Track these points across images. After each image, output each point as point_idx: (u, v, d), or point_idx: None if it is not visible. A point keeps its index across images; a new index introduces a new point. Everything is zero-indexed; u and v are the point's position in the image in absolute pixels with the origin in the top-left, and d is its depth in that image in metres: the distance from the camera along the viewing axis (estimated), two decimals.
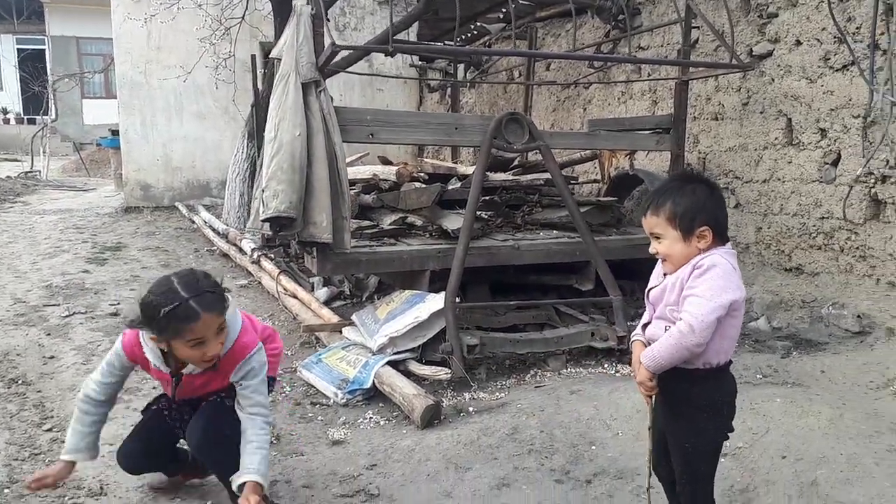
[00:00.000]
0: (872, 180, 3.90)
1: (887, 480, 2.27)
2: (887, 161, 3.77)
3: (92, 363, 3.83)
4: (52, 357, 3.95)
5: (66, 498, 2.46)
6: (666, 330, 1.76)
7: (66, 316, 4.76)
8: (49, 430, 3.02)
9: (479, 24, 8.59)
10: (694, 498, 1.90)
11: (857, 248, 4.04)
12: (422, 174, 5.03)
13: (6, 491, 2.50)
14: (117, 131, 11.45)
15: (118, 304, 5.11)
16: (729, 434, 1.87)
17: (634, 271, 5.28)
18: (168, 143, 10.60)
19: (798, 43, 4.40)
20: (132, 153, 10.49)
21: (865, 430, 2.60)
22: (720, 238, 1.75)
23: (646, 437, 2.63)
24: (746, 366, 3.49)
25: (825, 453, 2.44)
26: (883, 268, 3.89)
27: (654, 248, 1.83)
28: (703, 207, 1.74)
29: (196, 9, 8.93)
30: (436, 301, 3.68)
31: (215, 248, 7.42)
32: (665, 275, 1.86)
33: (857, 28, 3.97)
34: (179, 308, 1.99)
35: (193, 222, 9.01)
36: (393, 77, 10.10)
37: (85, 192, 13.74)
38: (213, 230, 7.91)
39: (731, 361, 1.82)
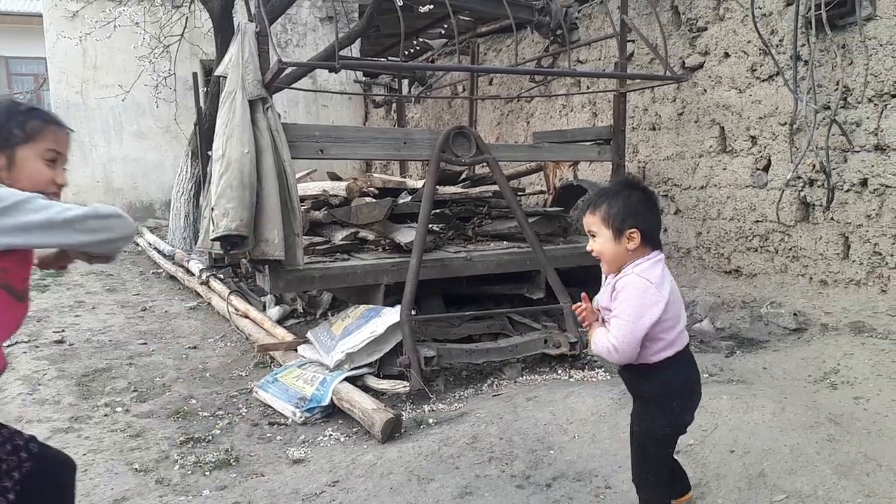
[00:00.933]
0: (801, 184, 4.11)
1: (828, 468, 2.41)
2: (813, 166, 3.99)
3: (39, 392, 3.72)
4: None
5: None
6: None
7: (9, 345, 4.60)
8: None
9: (421, 39, 8.69)
10: (642, 484, 2.00)
11: (790, 249, 4.25)
12: (372, 189, 5.07)
13: None
14: None
15: (63, 331, 4.96)
16: (683, 426, 1.97)
17: (583, 278, 5.43)
18: (108, 164, 10.36)
19: (727, 55, 4.62)
20: (71, 176, 10.17)
21: (806, 421, 2.74)
22: (649, 242, 1.87)
23: (601, 440, 2.71)
24: None
25: (770, 446, 2.57)
26: (814, 267, 4.10)
27: (591, 245, 1.95)
28: (633, 212, 1.85)
29: (133, 27, 8.78)
30: (392, 315, 3.71)
31: (161, 270, 7.27)
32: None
33: (779, 41, 4.20)
34: (31, 110, 1.70)
35: (138, 245, 8.80)
36: (338, 93, 10.11)
37: None
38: (159, 252, 7.74)
39: (677, 355, 1.89)
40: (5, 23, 20.06)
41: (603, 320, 1.94)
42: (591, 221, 1.93)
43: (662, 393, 1.91)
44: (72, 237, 1.55)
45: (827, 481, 2.34)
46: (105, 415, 3.45)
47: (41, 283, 6.68)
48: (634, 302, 1.80)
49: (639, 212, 1.86)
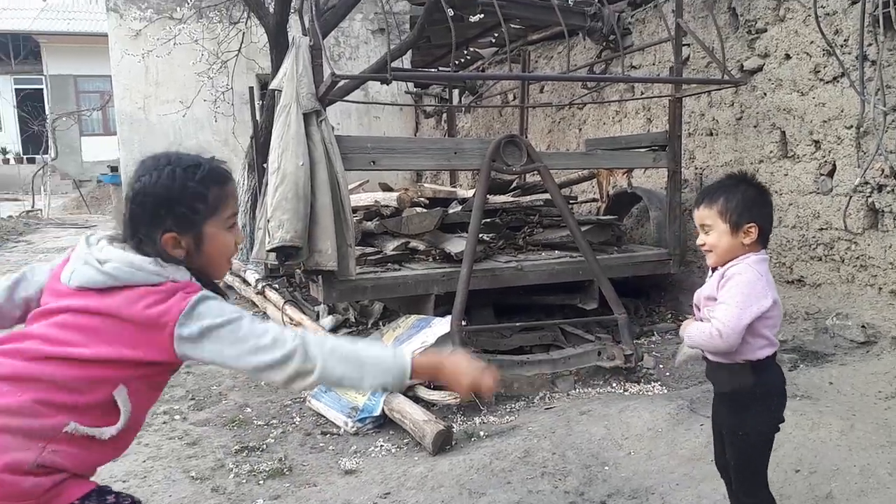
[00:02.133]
0: (868, 190, 3.93)
1: None
2: (882, 170, 3.81)
3: None
4: None
5: None
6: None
7: None
8: None
9: (471, 49, 8.70)
10: (750, 489, 1.94)
11: (858, 257, 4.06)
12: (422, 199, 5.08)
13: None
14: (117, 167, 11.55)
15: None
16: (779, 425, 1.92)
17: (637, 289, 5.32)
18: None
19: (787, 57, 4.47)
20: None
21: (877, 440, 2.60)
22: (763, 238, 1.87)
23: (657, 456, 2.64)
24: None
25: (838, 465, 2.45)
26: (884, 277, 3.91)
27: (702, 239, 1.94)
28: (752, 206, 1.86)
29: (192, 44, 9.05)
30: (442, 325, 3.70)
31: None
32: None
33: (844, 40, 4.03)
34: (205, 176, 1.47)
35: None
36: (389, 104, 10.19)
37: (87, 229, 13.78)
38: None
39: (774, 355, 1.88)
40: (74, 42, 21.05)
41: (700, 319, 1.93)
42: (706, 214, 1.92)
43: (765, 392, 1.88)
44: (256, 374, 1.44)
45: None
46: (164, 422, 3.53)
47: None
48: (745, 290, 1.79)
49: (756, 206, 1.87)
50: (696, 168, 5.37)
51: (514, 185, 5.65)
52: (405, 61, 9.16)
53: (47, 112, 20.76)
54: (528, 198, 5.16)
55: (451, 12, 4.65)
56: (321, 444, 3.24)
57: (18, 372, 1.34)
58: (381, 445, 3.15)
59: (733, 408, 1.93)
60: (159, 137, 10.54)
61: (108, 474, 2.89)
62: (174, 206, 1.44)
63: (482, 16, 5.70)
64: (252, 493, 2.74)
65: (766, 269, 1.86)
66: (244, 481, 2.85)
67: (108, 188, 15.26)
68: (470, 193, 5.14)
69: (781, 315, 1.89)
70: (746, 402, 1.89)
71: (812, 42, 4.26)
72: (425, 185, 7.57)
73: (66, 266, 1.45)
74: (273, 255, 3.82)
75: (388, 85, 4.81)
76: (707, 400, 3.17)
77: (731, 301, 1.78)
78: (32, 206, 16.71)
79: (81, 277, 1.41)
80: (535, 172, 4.33)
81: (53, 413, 1.32)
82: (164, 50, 9.25)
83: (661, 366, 4.07)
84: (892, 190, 3.77)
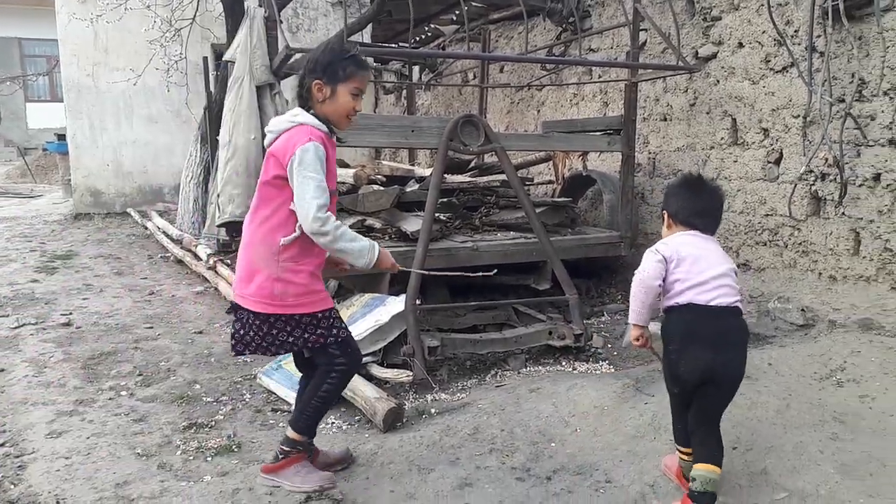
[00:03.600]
0: (813, 178, 4.06)
1: (831, 467, 2.38)
2: (826, 160, 3.94)
3: (44, 375, 3.75)
4: (1, 370, 3.85)
5: None
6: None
7: (16, 327, 4.64)
8: (1, 444, 2.94)
9: (432, 25, 8.62)
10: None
11: (800, 243, 4.20)
12: (379, 176, 5.05)
13: None
14: (64, 135, 11.14)
15: (70, 313, 4.99)
16: (679, 376, 2.23)
17: (589, 270, 5.41)
18: (118, 147, 10.37)
19: (741, 45, 4.56)
20: (81, 158, 10.23)
21: (810, 419, 2.72)
22: (679, 222, 2.32)
23: (603, 433, 2.71)
24: None
25: (773, 443, 2.55)
26: (824, 262, 4.06)
27: None
28: (667, 198, 2.40)
29: (145, 10, 8.75)
30: (396, 304, 3.71)
31: (170, 254, 7.30)
32: None
33: (795, 31, 4.13)
34: (353, 56, 2.38)
35: (146, 228, 8.83)
36: None
37: (32, 198, 13.32)
38: (168, 236, 7.77)
39: (687, 306, 2.19)
40: (19, 3, 20.12)
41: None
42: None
43: (665, 334, 2.27)
44: (300, 208, 2.24)
45: (830, 480, 2.32)
46: (110, 398, 3.47)
47: (50, 266, 6.73)
48: (648, 255, 2.26)
49: (671, 198, 2.37)
50: (650, 153, 5.46)
51: (472, 164, 5.65)
52: (365, 35, 9.02)
53: None
54: (486, 178, 5.17)
55: None
56: (271, 422, 3.22)
57: (253, 214, 2.35)
58: (332, 423, 3.15)
59: None
60: (108, 106, 10.21)
61: (49, 451, 2.84)
62: (326, 66, 2.33)
63: None
64: (199, 470, 2.72)
65: (680, 239, 2.26)
66: (192, 458, 2.82)
67: (54, 157, 14.73)
68: (428, 172, 5.13)
69: (700, 272, 2.19)
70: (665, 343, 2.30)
71: (764, 32, 4.35)
72: (383, 162, 7.51)
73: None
74: (224, 230, 3.76)
75: None
76: (652, 379, 3.27)
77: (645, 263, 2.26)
78: None
79: (266, 141, 2.39)
80: (493, 153, 4.34)
81: (273, 233, 2.28)
82: (114, 15, 8.93)
83: (609, 345, 4.15)
84: (835, 179, 3.90)
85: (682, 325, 2.22)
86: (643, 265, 2.25)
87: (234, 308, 2.41)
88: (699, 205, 2.32)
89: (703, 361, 2.16)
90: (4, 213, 10.83)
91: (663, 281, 2.22)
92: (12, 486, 2.59)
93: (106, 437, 3.00)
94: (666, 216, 2.35)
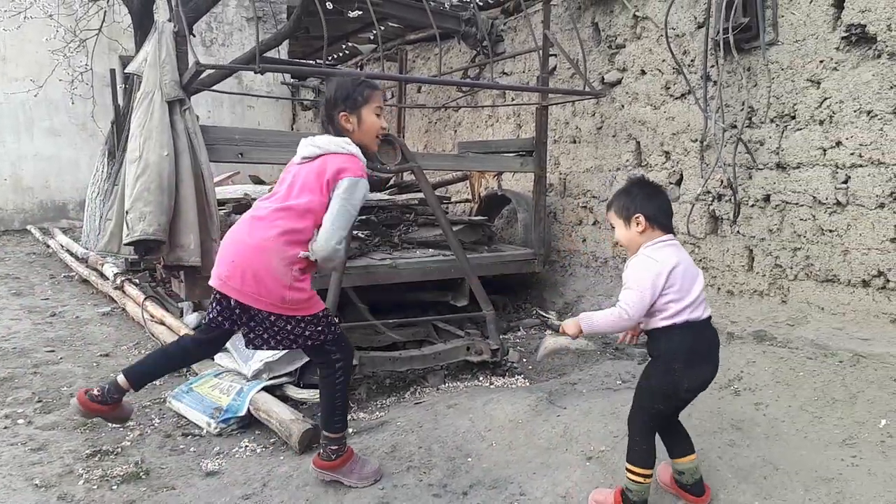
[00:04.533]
0: (710, 198, 4.32)
1: (729, 472, 2.54)
2: (721, 181, 4.20)
3: None
4: None
5: None
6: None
7: None
8: None
9: (350, 43, 8.65)
10: (631, 425, 2.32)
11: (700, 260, 4.44)
12: None
13: None
14: None
15: None
16: (682, 390, 2.24)
17: (506, 286, 5.53)
18: (17, 161, 9.84)
19: (643, 72, 4.81)
20: None
21: (710, 427, 2.88)
22: (655, 224, 2.26)
23: (517, 446, 2.77)
24: (608, 373, 3.75)
25: None
26: (722, 277, 4.31)
27: (615, 235, 2.39)
28: (635, 200, 2.28)
29: (46, 18, 8.37)
30: None
31: (74, 273, 6.95)
32: None
33: (691, 61, 4.40)
34: (363, 81, 2.58)
35: (48, 246, 8.38)
36: (263, 96, 9.92)
37: None
38: (72, 255, 7.40)
39: (686, 324, 2.20)
40: None
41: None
42: (610, 216, 2.37)
43: (665, 354, 2.23)
44: (324, 232, 2.40)
45: (728, 485, 2.47)
46: (5, 427, 3.27)
47: None
48: (639, 273, 2.19)
49: (640, 200, 2.27)
50: (561, 173, 5.66)
51: (391, 182, 5.69)
52: (282, 52, 8.94)
53: None
54: (404, 196, 5.22)
55: (329, 6, 4.62)
56: (181, 446, 3.12)
57: (272, 221, 2.41)
58: (246, 446, 3.09)
59: (647, 365, 2.34)
60: (6, 118, 9.68)
61: None
62: (345, 98, 2.52)
63: (360, 12, 5.68)
64: (104, 500, 2.60)
65: (669, 251, 2.21)
66: (95, 487, 2.70)
67: None
68: None
69: (689, 289, 2.20)
70: (654, 361, 2.30)
71: (664, 60, 4.61)
72: None
73: (293, 160, 2.57)
74: (131, 249, 3.64)
75: (261, 75, 4.70)
76: (565, 392, 3.38)
77: (631, 284, 2.19)
78: None
79: (303, 152, 2.51)
80: (411, 172, 4.39)
81: (293, 246, 2.39)
82: (12, 23, 8.50)
83: (524, 360, 4.26)
84: (730, 199, 4.16)
85: (685, 345, 2.21)
86: (646, 283, 2.16)
87: (228, 301, 2.48)
88: (666, 204, 2.32)
89: (705, 375, 2.27)
90: None
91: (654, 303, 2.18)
92: None
93: (0, 468, 2.83)
94: (642, 220, 2.24)
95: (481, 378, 3.97)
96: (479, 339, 4.12)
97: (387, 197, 5.25)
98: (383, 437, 3.06)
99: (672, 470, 2.42)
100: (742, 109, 4.02)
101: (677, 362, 2.21)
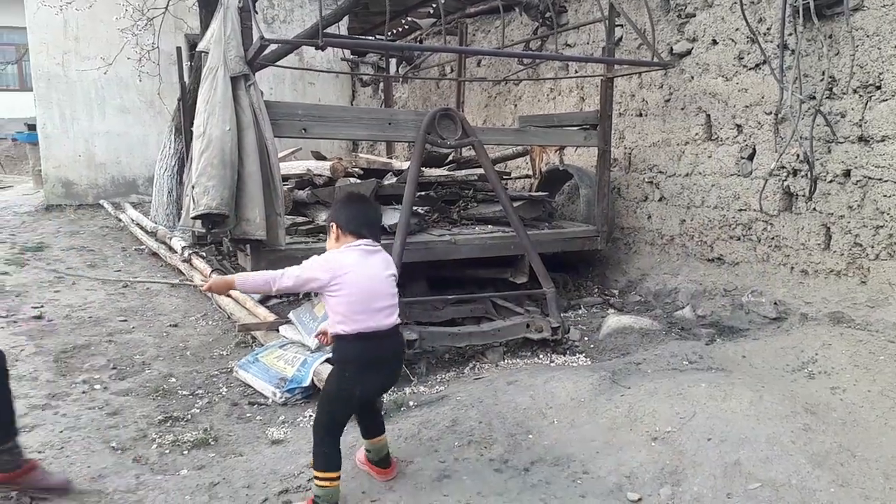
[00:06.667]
0: (785, 174, 4.13)
1: (803, 458, 2.44)
2: (797, 156, 4.01)
3: (16, 368, 3.68)
4: None
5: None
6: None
7: None
8: None
9: (409, 18, 8.60)
10: (315, 427, 2.35)
11: (773, 238, 4.27)
12: (356, 169, 5.02)
13: None
14: (34, 125, 10.90)
15: (41, 306, 4.91)
16: (356, 394, 2.33)
17: (566, 264, 5.45)
18: (90, 138, 10.18)
19: (714, 42, 4.61)
20: (51, 149, 10.02)
21: (783, 410, 2.77)
22: (349, 232, 2.37)
23: (580, 425, 2.73)
24: (674, 353, 3.65)
25: (747, 434, 2.59)
26: (796, 256, 4.13)
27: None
28: (334, 211, 2.46)
29: None
30: None
31: (144, 246, 7.19)
32: None
33: (767, 29, 4.19)
34: None
35: (120, 220, 8.69)
36: (324, 71, 9.98)
37: (1, 189, 13.03)
38: (141, 228, 7.65)
39: (361, 334, 2.28)
40: None
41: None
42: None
43: (338, 360, 2.38)
44: None
45: (801, 470, 2.38)
46: (83, 392, 3.42)
47: (20, 258, 6.59)
48: (312, 262, 2.31)
49: (335, 210, 2.45)
50: (626, 147, 5.51)
51: (450, 158, 5.65)
52: (341, 27, 8.96)
53: None
54: (463, 172, 5.18)
55: None
56: (248, 415, 3.21)
57: None
58: (310, 416, 3.14)
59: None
60: (80, 95, 10.01)
61: (23, 445, 2.79)
62: None
63: None
64: (176, 464, 2.70)
65: (352, 255, 2.31)
66: (167, 451, 2.80)
67: (24, 147, 14.41)
68: (405, 165, 5.12)
69: (369, 300, 2.28)
70: (333, 365, 2.42)
71: (737, 29, 4.41)
72: (360, 155, 7.48)
73: None
74: (198, 223, 3.72)
75: (322, 51, 4.71)
76: (629, 371, 3.31)
77: (303, 265, 2.31)
78: None
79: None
80: (471, 147, 4.35)
81: None
82: (84, 3, 8.75)
83: (586, 338, 4.19)
84: (806, 175, 3.97)
85: (359, 352, 2.32)
86: (304, 272, 2.33)
87: None
88: (356, 214, 2.44)
89: (373, 384, 2.40)
90: None
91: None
92: None
93: (80, 430, 2.97)
94: (335, 227, 2.42)
95: (541, 356, 3.94)
96: (539, 317, 4.08)
97: (446, 173, 5.22)
98: (443, 411, 3.07)
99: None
100: (822, 80, 3.81)
101: (348, 370, 2.32)
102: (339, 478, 2.32)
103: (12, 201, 10.93)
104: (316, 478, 2.29)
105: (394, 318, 2.36)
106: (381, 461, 2.52)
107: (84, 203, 10.11)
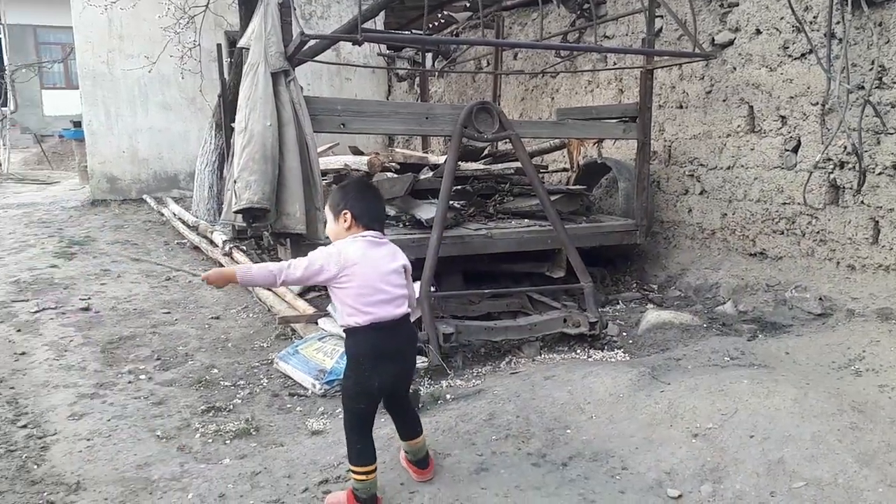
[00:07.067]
0: (831, 166, 4.02)
1: (850, 456, 2.38)
2: (844, 147, 3.90)
3: (65, 358, 3.80)
4: (23, 353, 3.90)
5: (45, 494, 2.45)
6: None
7: (36, 312, 4.70)
8: (24, 426, 2.99)
9: (445, 12, 8.59)
10: (344, 425, 2.35)
11: (818, 232, 4.17)
12: (393, 164, 5.06)
13: None
14: (80, 122, 11.21)
15: (89, 298, 5.05)
16: (374, 388, 2.29)
17: (604, 258, 5.40)
18: (134, 134, 10.42)
19: (758, 32, 4.51)
20: (97, 145, 10.29)
21: (828, 408, 2.70)
22: (361, 222, 2.33)
23: (618, 420, 2.71)
24: (715, 349, 3.59)
25: (791, 432, 2.54)
26: (842, 251, 4.03)
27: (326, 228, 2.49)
28: (346, 198, 2.36)
29: None
30: None
31: (186, 240, 7.34)
32: None
33: (813, 17, 4.08)
34: None
35: (162, 215, 8.89)
36: (361, 66, 10.04)
37: (49, 185, 13.43)
38: (183, 222, 7.82)
39: (372, 325, 2.24)
40: None
41: None
42: (326, 210, 2.43)
43: (352, 354, 2.31)
44: None
45: (848, 469, 2.32)
46: (129, 382, 3.52)
47: (68, 251, 6.79)
48: (317, 254, 2.26)
49: (350, 198, 2.35)
50: (666, 140, 5.43)
51: (486, 152, 5.64)
52: (378, 23, 9.00)
53: (5, 63, 19.96)
54: (500, 166, 5.17)
55: None
56: (289, 406, 3.26)
57: None
58: None
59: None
60: (123, 93, 10.25)
61: (71, 432, 2.89)
62: None
63: None
64: (218, 453, 2.75)
65: (360, 245, 2.27)
66: (210, 441, 2.86)
67: (70, 143, 14.82)
68: (441, 160, 5.13)
69: (378, 289, 2.25)
70: (347, 360, 2.34)
71: (782, 18, 4.30)
72: (396, 149, 7.52)
73: None
74: (240, 217, 3.78)
75: (359, 46, 4.75)
76: (669, 367, 3.27)
77: (309, 256, 2.26)
78: None
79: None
80: (507, 140, 4.33)
81: None
82: (128, 2, 8.95)
83: (624, 333, 4.15)
84: (853, 167, 3.86)
85: (372, 343, 2.29)
86: (314, 261, 2.29)
87: None
88: (370, 205, 2.42)
89: (390, 375, 2.34)
90: (23, 200, 10.93)
91: None
92: (35, 467, 2.64)
93: (126, 419, 3.05)
94: (350, 216, 2.37)
95: (578, 351, 3.91)
96: (577, 312, 4.05)
97: (482, 166, 5.21)
98: (480, 404, 3.07)
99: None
100: (871, 69, 3.70)
101: (364, 363, 2.27)
102: (374, 470, 2.33)
103: (60, 197, 11.27)
104: (352, 471, 2.32)
105: (404, 308, 2.34)
106: (420, 462, 2.52)
107: (128, 198, 10.37)
